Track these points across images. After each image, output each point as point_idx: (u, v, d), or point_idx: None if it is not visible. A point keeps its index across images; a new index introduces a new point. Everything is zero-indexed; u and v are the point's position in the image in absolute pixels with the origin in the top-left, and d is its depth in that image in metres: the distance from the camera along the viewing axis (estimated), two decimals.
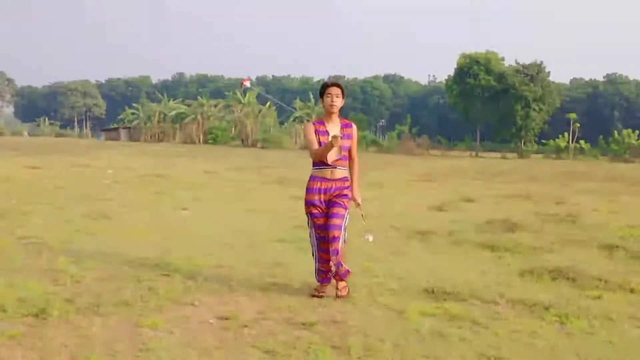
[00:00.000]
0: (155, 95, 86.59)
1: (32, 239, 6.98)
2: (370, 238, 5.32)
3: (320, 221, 5.07)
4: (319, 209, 5.07)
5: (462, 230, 8.63)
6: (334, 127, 5.11)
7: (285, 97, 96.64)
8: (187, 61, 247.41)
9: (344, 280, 5.04)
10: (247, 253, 6.71)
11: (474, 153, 58.89)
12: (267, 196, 13.03)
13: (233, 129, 66.57)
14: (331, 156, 5.03)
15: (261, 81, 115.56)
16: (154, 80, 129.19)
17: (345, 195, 5.10)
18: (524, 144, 57.49)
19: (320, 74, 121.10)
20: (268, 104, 67.65)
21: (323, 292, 5.09)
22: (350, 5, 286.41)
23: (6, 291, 4.70)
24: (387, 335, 4.06)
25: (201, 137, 66.41)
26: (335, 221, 5.01)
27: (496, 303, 4.90)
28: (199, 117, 68.64)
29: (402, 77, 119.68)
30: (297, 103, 69.81)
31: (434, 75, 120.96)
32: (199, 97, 74.16)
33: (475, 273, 6.04)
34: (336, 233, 4.99)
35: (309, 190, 5.13)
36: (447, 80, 62.02)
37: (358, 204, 5.24)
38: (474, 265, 6.44)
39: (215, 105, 70.65)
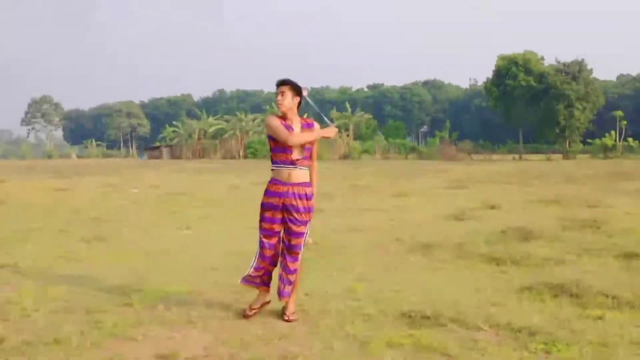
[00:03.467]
0: (197, 113, 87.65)
1: (9, 268, 6.72)
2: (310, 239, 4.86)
3: (268, 225, 4.70)
4: (271, 213, 4.69)
5: (472, 242, 8.00)
6: (295, 125, 4.73)
7: (325, 108, 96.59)
8: (227, 77, 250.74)
9: (284, 298, 4.71)
10: (228, 276, 6.25)
11: (517, 156, 57.44)
12: None
13: None
14: (293, 154, 4.67)
15: None
16: (196, 98, 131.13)
17: (306, 208, 4.68)
18: (568, 144, 55.76)
19: (358, 84, 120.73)
20: (305, 115, 67.53)
21: (254, 310, 4.76)
22: (383, 15, 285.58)
23: None
24: None
25: (241, 152, 66.77)
26: (298, 240, 4.69)
27: (479, 329, 4.34)
28: (237, 132, 69.10)
29: (442, 82, 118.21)
30: (334, 113, 69.51)
31: (475, 79, 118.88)
32: (237, 113, 74.74)
33: (468, 291, 5.46)
34: (296, 252, 4.70)
35: (266, 192, 4.77)
36: (485, 83, 60.82)
37: None
38: (471, 282, 5.86)
39: (254, 120, 71.04)
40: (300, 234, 4.67)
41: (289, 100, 4.68)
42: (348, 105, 70.19)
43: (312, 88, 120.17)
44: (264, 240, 4.71)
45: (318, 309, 4.91)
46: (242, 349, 4.00)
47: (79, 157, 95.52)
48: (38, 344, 4.04)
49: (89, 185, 21.92)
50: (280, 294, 4.70)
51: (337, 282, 5.89)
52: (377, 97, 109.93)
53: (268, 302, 4.84)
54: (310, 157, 4.81)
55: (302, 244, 4.71)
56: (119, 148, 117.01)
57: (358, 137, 67.10)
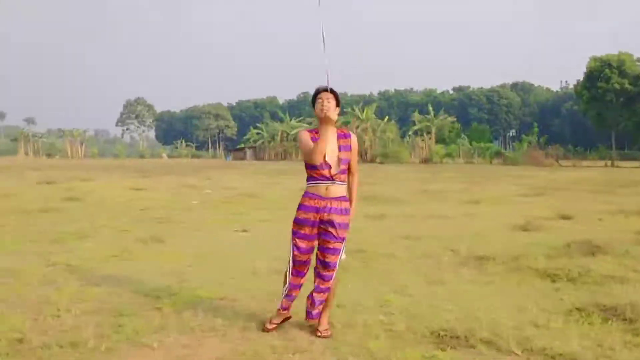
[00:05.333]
0: (280, 115, 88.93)
1: (61, 266, 6.92)
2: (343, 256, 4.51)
3: (304, 243, 4.46)
4: (307, 230, 4.45)
5: (531, 255, 7.53)
6: (332, 136, 4.47)
7: (407, 111, 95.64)
8: (311, 80, 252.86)
9: (313, 320, 4.50)
10: (265, 282, 6.18)
11: (609, 162, 54.57)
12: None
13: None
14: (332, 169, 4.43)
15: (383, 95, 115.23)
16: (281, 101, 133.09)
17: (343, 225, 4.44)
18: None
19: (443, 86, 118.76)
20: (386, 118, 67.19)
21: (274, 325, 4.56)
22: (469, 15, 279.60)
23: None
24: None
25: None
26: (333, 258, 4.45)
27: (510, 352, 4.01)
28: None
29: (531, 85, 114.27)
30: (416, 116, 68.63)
31: (566, 81, 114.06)
32: None
33: (511, 310, 5.09)
34: (331, 270, 4.46)
35: (301, 207, 4.49)
36: (576, 86, 58.20)
37: None
38: (517, 299, 5.47)
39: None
40: (336, 251, 4.44)
41: (333, 108, 4.42)
42: (430, 108, 69.09)
43: (395, 90, 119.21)
44: (297, 258, 4.48)
45: (344, 321, 4.71)
46: None
47: (169, 157, 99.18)
48: (54, 346, 4.07)
49: (166, 185, 22.57)
50: (309, 315, 4.50)
51: (373, 293, 5.67)
52: (462, 99, 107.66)
53: (289, 317, 4.67)
54: (349, 171, 4.58)
55: (338, 262, 4.47)
56: (207, 149, 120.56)
57: (441, 140, 65.93)
